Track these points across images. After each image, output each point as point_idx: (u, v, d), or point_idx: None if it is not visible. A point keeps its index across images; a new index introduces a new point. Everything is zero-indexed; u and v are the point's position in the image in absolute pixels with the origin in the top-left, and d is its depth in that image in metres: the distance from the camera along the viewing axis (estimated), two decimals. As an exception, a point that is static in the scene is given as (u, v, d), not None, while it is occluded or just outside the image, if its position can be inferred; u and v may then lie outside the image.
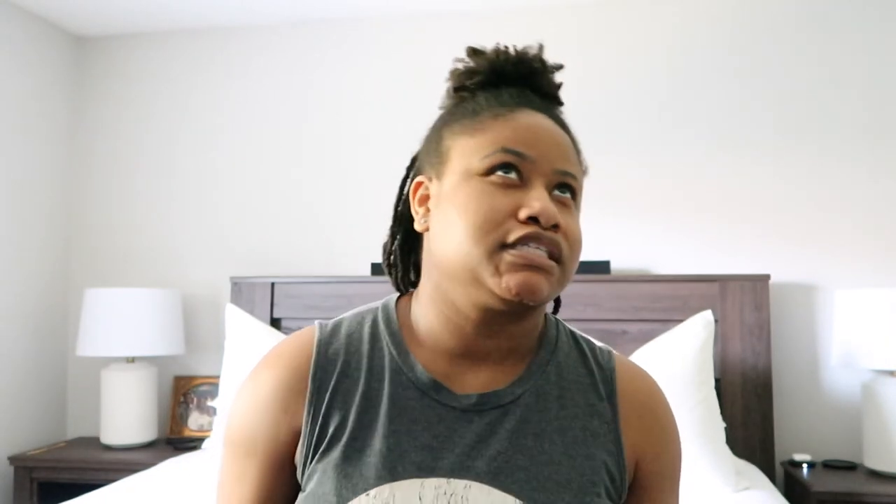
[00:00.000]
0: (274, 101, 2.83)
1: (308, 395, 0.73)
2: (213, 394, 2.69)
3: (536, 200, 0.66)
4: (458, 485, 0.67)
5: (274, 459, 0.73)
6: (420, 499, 0.66)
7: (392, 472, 0.68)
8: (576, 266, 0.71)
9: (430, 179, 0.75)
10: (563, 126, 0.74)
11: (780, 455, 2.38)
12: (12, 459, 2.47)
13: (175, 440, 2.63)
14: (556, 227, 0.67)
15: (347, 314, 0.81)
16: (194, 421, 2.71)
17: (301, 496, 0.72)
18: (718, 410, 2.03)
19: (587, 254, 2.55)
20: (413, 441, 0.69)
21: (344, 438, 0.70)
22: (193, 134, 2.88)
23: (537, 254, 0.66)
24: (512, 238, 0.66)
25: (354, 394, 0.72)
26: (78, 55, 2.98)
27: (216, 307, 2.79)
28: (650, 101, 2.58)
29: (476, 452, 0.69)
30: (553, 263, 0.67)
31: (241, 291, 2.63)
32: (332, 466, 0.69)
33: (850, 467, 2.24)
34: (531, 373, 0.75)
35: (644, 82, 2.59)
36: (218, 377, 2.66)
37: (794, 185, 2.47)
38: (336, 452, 0.70)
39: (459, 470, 0.68)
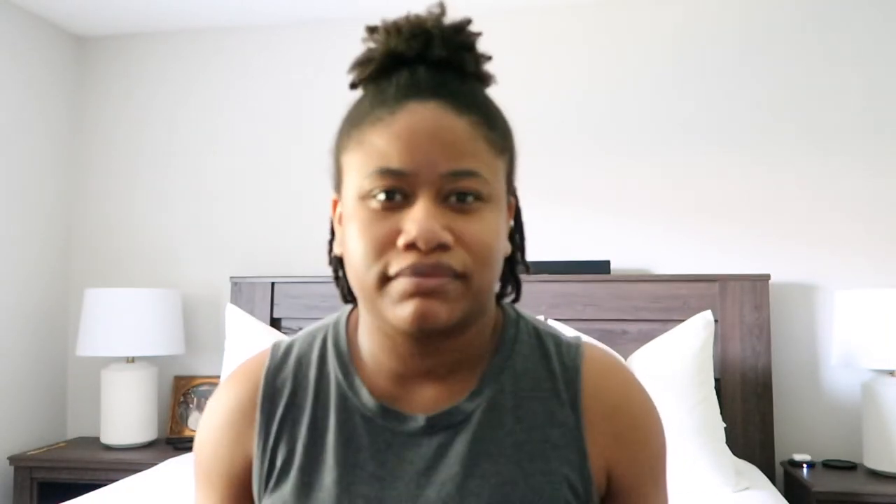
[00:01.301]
0: (274, 100, 2.83)
1: (257, 425, 0.71)
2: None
3: (413, 223, 0.60)
4: None
5: (231, 490, 0.72)
6: None
7: None
8: (490, 272, 0.64)
9: (339, 197, 0.69)
10: (465, 106, 0.63)
11: (780, 455, 2.38)
12: (12, 459, 2.47)
13: (175, 440, 2.63)
14: (442, 245, 0.60)
15: (302, 332, 0.77)
16: (194, 421, 2.71)
17: None
18: (718, 410, 2.03)
19: (587, 254, 2.55)
20: (360, 472, 0.67)
21: (292, 472, 0.69)
22: (193, 134, 2.88)
23: (425, 279, 0.60)
24: (392, 271, 0.61)
25: (301, 424, 0.70)
26: (78, 55, 2.98)
27: (216, 307, 2.79)
28: (651, 101, 2.58)
29: (426, 480, 0.66)
30: (447, 280, 0.61)
31: (241, 291, 2.63)
32: (280, 503, 0.68)
33: (850, 467, 2.24)
34: (484, 385, 0.69)
35: (644, 83, 2.59)
36: (218, 377, 2.66)
37: (794, 186, 2.47)
38: (285, 488, 0.68)
39: (408, 500, 0.65)
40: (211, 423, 0.73)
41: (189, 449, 2.49)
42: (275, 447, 0.70)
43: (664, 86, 2.58)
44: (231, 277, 2.67)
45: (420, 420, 0.68)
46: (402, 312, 0.61)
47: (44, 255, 2.80)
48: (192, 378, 2.76)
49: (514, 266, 0.75)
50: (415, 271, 0.60)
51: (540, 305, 2.41)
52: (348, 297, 0.77)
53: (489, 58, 0.68)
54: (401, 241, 0.60)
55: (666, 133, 2.56)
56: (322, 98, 2.79)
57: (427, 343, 0.66)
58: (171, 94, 2.91)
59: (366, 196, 0.62)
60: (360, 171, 0.63)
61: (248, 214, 2.82)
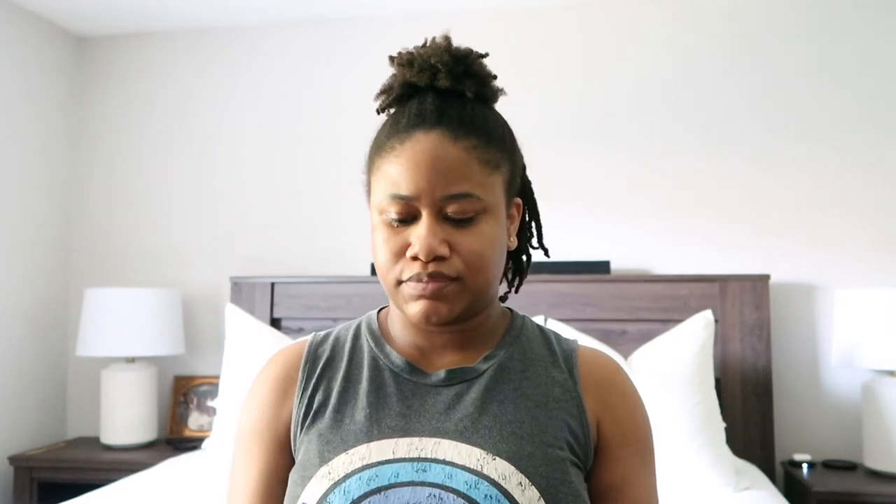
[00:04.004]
0: (274, 101, 2.83)
1: (299, 381, 0.84)
2: (213, 394, 2.69)
3: (417, 239, 0.75)
4: (429, 441, 0.76)
5: (277, 441, 0.83)
6: (394, 453, 0.75)
7: (369, 434, 0.77)
8: (484, 274, 0.78)
9: (368, 205, 0.84)
10: (462, 132, 0.76)
11: (780, 455, 2.38)
12: (12, 459, 2.47)
13: (175, 440, 2.63)
14: (440, 257, 0.75)
15: (339, 325, 0.92)
16: (194, 421, 2.71)
17: (293, 468, 0.80)
18: (718, 410, 2.03)
19: (587, 254, 2.55)
20: (388, 410, 0.79)
21: (327, 412, 0.81)
22: (193, 134, 2.88)
23: (426, 284, 0.76)
24: (404, 277, 0.77)
25: (336, 378, 0.84)
26: (78, 55, 2.98)
27: (216, 307, 2.79)
28: (650, 101, 2.58)
29: (446, 417, 0.78)
30: (446, 283, 0.76)
31: (241, 291, 2.63)
32: (316, 436, 0.79)
33: (850, 467, 2.24)
34: (495, 353, 0.83)
35: (644, 83, 2.59)
36: (218, 377, 2.65)
37: (794, 185, 2.47)
38: (320, 424, 0.80)
39: (431, 431, 0.77)
40: (260, 387, 0.86)
41: (189, 449, 2.49)
42: (313, 394, 0.83)
43: (664, 85, 2.58)
44: (231, 277, 2.67)
45: (441, 374, 0.81)
46: (413, 310, 0.77)
47: (44, 255, 2.80)
48: (192, 378, 2.76)
49: (519, 258, 0.90)
50: (418, 278, 0.76)
51: (540, 305, 2.41)
52: None
53: (494, 76, 0.81)
54: (408, 254, 0.76)
55: (666, 133, 2.56)
56: (322, 98, 2.79)
57: (440, 326, 0.81)
58: (171, 94, 2.91)
59: (383, 213, 0.78)
60: (379, 194, 0.78)
61: (248, 214, 2.82)
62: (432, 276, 0.75)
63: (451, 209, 0.75)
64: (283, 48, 2.84)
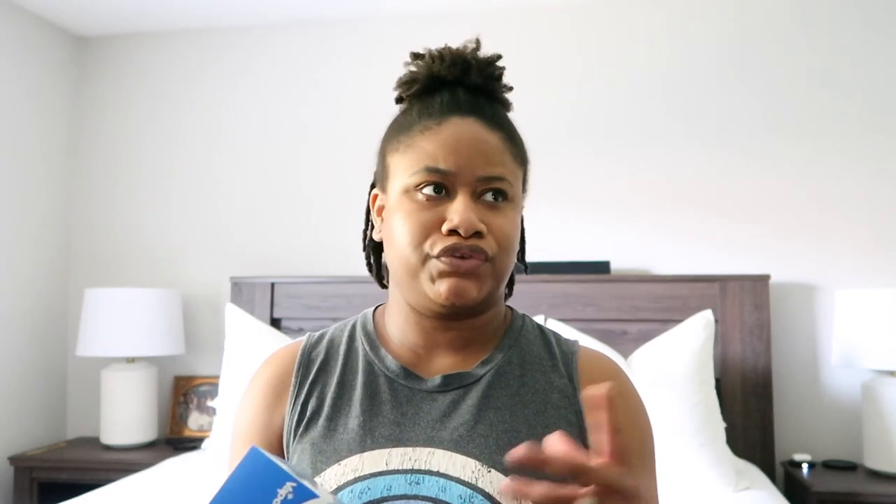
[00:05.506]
0: (274, 101, 2.83)
1: (292, 387, 0.83)
2: (213, 394, 2.69)
3: (456, 213, 0.73)
4: (423, 452, 0.74)
5: (269, 446, 0.81)
6: (387, 464, 0.73)
7: (362, 444, 0.75)
8: (510, 259, 0.78)
9: (382, 191, 0.82)
10: (496, 124, 0.78)
11: (780, 455, 2.38)
12: (12, 459, 2.47)
13: (175, 440, 2.63)
14: (478, 233, 0.74)
15: (334, 325, 0.90)
16: (194, 421, 2.71)
17: None
18: (718, 410, 2.03)
19: (587, 254, 2.55)
20: (382, 419, 0.77)
21: (320, 420, 0.79)
22: (194, 134, 2.88)
23: (462, 261, 0.73)
24: (436, 251, 0.74)
25: (330, 384, 0.82)
26: (78, 55, 2.98)
27: (216, 307, 2.79)
28: (650, 101, 2.58)
29: (441, 425, 0.76)
30: (479, 263, 0.74)
31: (241, 291, 2.63)
32: (309, 445, 0.78)
33: (850, 467, 2.24)
34: (494, 356, 0.81)
35: (644, 83, 2.59)
36: (218, 377, 2.65)
37: (794, 185, 2.47)
38: (313, 432, 0.78)
39: (425, 440, 0.75)
40: (253, 391, 0.84)
41: (189, 449, 2.49)
42: (306, 401, 0.81)
43: (664, 85, 2.58)
44: (231, 277, 2.67)
45: (437, 379, 0.79)
46: (440, 289, 0.74)
47: (44, 255, 2.80)
48: (192, 378, 2.76)
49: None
50: (455, 253, 0.73)
51: (540, 305, 2.41)
52: (380, 282, 0.89)
53: (511, 88, 0.83)
54: (445, 227, 0.73)
55: (666, 133, 2.56)
56: (322, 98, 2.79)
57: (450, 319, 0.79)
58: (171, 94, 2.91)
59: (412, 189, 0.75)
60: (408, 170, 0.76)
61: (248, 214, 2.81)
62: (473, 251, 0.73)
63: (486, 188, 0.75)
64: (283, 48, 2.84)
